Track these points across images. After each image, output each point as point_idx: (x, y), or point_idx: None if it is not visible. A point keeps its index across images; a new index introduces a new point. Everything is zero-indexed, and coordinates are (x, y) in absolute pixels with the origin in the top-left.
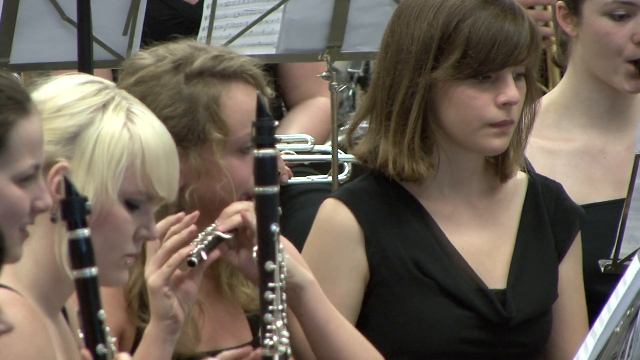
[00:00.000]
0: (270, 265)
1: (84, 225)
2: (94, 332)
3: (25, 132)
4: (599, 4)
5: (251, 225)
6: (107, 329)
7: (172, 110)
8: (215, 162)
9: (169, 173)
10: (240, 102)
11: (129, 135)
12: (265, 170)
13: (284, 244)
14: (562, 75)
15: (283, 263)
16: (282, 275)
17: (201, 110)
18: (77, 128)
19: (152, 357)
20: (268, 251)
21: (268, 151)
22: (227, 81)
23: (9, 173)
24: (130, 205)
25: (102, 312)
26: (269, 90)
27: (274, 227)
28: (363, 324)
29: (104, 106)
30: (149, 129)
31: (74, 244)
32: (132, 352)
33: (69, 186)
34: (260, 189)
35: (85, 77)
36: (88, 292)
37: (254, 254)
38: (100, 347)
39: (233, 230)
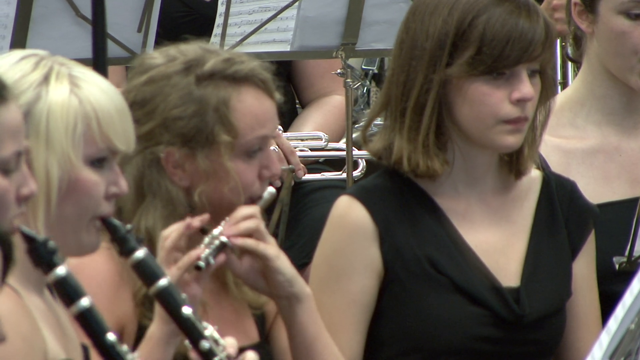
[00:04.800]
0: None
1: (56, 264)
2: (112, 358)
3: (3, 120)
4: (616, 2)
5: (259, 232)
6: (124, 348)
7: (182, 111)
8: (222, 164)
9: (124, 126)
10: (250, 106)
11: (77, 100)
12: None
13: (282, 256)
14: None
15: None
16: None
17: (210, 112)
18: (26, 107)
19: (154, 359)
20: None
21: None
22: (238, 84)
23: None
24: (96, 165)
25: (110, 334)
26: (278, 95)
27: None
28: (377, 321)
29: (46, 78)
30: (95, 89)
31: (59, 284)
32: (133, 349)
33: (27, 235)
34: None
35: (17, 53)
36: (89, 323)
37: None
38: None
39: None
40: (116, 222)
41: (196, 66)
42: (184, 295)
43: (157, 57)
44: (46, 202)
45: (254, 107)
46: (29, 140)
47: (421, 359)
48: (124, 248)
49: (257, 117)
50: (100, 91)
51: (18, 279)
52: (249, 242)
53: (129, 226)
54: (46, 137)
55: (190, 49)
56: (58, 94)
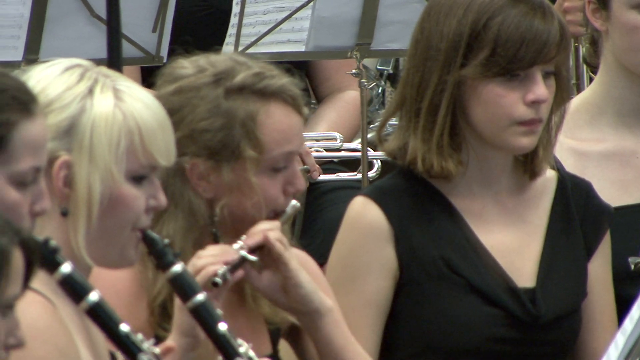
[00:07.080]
0: None
1: (60, 263)
2: (128, 347)
3: (27, 134)
4: None
5: (274, 245)
6: (140, 336)
7: (209, 123)
8: (247, 179)
9: (166, 141)
10: (277, 122)
11: (122, 115)
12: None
13: (303, 270)
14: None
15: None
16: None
17: (237, 127)
18: (70, 120)
19: None
20: (228, 351)
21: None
22: (267, 100)
23: (7, 174)
24: (136, 180)
25: (123, 325)
26: (307, 111)
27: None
28: (393, 322)
29: (91, 91)
30: (139, 104)
31: (65, 282)
32: None
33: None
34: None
35: (63, 63)
36: (99, 316)
37: None
38: (141, 356)
39: (258, 251)
40: (155, 235)
41: (226, 79)
42: (219, 312)
43: (187, 67)
44: (87, 216)
45: (281, 123)
46: (72, 154)
47: (436, 359)
48: (161, 262)
49: (284, 133)
50: (144, 106)
51: (51, 288)
52: (279, 246)
53: (166, 240)
54: (89, 151)
55: (220, 60)
56: (102, 107)
